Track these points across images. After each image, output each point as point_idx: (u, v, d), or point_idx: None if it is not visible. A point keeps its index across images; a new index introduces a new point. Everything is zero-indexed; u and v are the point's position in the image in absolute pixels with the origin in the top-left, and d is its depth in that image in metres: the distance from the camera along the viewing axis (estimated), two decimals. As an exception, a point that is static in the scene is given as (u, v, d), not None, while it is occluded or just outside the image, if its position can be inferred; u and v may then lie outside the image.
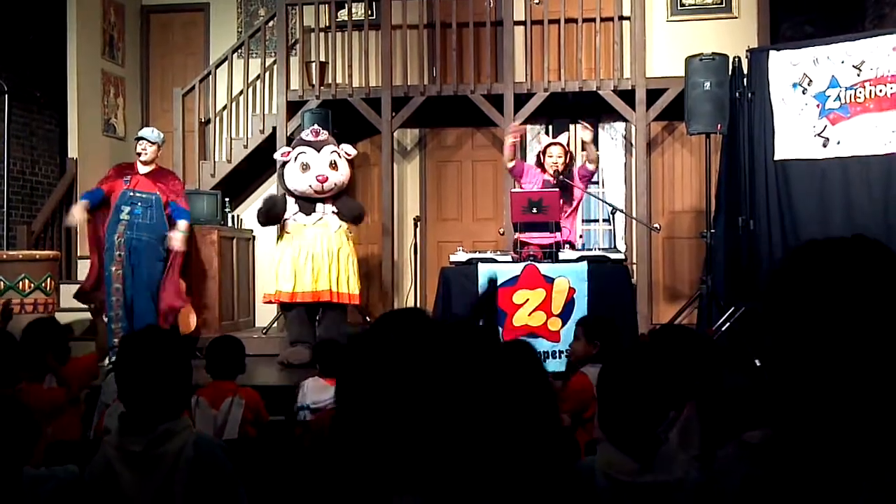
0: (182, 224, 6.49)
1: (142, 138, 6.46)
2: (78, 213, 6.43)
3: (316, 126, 6.80)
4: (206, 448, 2.15)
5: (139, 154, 6.42)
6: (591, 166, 6.41)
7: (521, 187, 6.36)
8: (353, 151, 6.64)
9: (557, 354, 5.55)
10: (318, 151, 6.45)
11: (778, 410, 1.22)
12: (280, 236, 6.75)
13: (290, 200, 6.62)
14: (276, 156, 6.84)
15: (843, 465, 1.14)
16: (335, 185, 6.45)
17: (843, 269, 1.16)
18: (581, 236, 6.70)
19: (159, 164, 6.63)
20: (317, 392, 4.25)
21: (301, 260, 6.40)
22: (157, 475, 2.07)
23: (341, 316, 6.58)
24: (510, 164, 6.41)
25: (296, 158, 6.47)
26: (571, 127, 7.90)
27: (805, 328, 1.17)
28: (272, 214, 6.65)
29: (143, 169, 6.44)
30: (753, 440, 1.24)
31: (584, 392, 3.59)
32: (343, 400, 1.41)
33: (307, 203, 6.54)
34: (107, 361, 6.19)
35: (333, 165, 6.46)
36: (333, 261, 6.44)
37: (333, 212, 6.56)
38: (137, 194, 6.33)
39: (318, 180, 6.36)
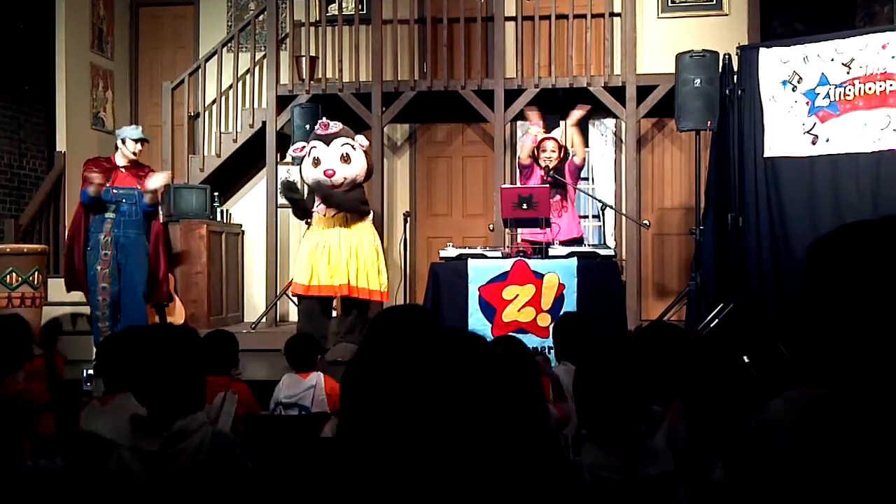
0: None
1: (142, 139, 6.28)
2: (98, 179, 6.07)
3: (325, 119, 6.60)
4: (223, 446, 2.12)
5: (135, 154, 6.25)
6: (577, 160, 6.46)
7: (523, 183, 6.37)
8: (365, 142, 6.34)
9: (547, 350, 5.56)
10: (328, 145, 6.19)
11: (835, 375, 1.27)
12: (308, 227, 6.59)
13: None
14: (291, 152, 6.71)
15: None
16: (345, 178, 6.17)
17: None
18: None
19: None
20: (290, 387, 4.24)
21: (318, 253, 6.19)
22: (174, 473, 2.03)
23: (361, 312, 6.32)
24: (526, 162, 6.47)
25: (310, 153, 6.33)
26: (562, 123, 7.91)
27: (858, 295, 1.24)
28: (299, 205, 6.46)
29: (121, 162, 6.27)
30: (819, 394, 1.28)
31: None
32: (351, 410, 1.41)
33: None
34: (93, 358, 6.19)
35: (345, 158, 6.17)
36: (352, 255, 6.21)
37: None
38: (120, 191, 6.17)
39: (325, 175, 6.14)
